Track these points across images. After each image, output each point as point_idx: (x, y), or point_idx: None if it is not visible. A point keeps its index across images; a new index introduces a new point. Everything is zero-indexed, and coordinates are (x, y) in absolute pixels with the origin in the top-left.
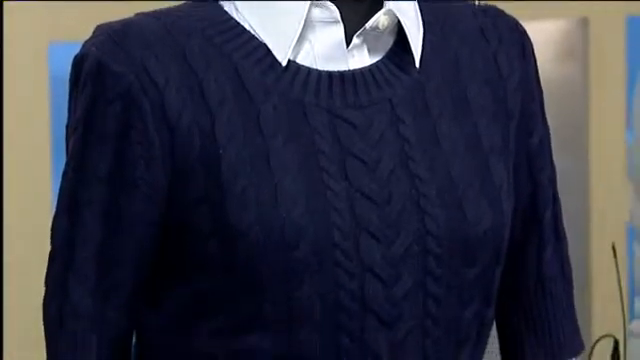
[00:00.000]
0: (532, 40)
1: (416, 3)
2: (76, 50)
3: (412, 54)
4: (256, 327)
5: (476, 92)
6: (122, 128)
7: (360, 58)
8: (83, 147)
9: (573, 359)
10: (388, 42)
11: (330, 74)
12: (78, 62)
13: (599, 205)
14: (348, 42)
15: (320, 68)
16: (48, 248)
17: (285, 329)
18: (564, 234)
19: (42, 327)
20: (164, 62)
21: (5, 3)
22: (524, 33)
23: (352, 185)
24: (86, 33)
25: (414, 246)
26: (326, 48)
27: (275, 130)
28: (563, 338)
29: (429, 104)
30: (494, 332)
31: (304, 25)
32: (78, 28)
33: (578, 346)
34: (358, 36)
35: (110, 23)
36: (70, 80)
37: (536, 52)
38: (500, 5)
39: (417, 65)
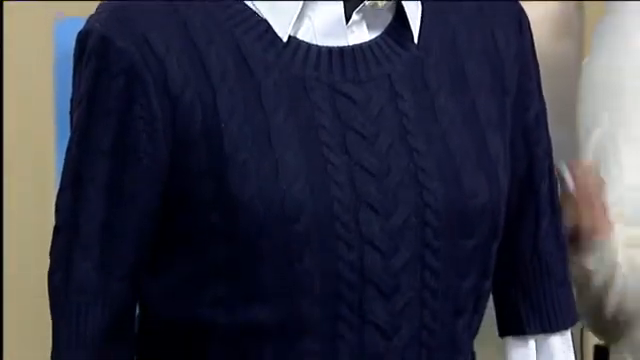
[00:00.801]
0: (529, 18)
1: None
2: (81, 26)
3: (411, 30)
4: (257, 297)
5: (474, 67)
6: (125, 103)
7: (359, 34)
8: (87, 121)
9: (568, 329)
10: (387, 18)
11: (330, 50)
12: (82, 38)
13: None
14: (347, 18)
15: (320, 44)
16: (49, 234)
17: (285, 299)
18: (560, 206)
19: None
20: (167, 38)
21: None
22: (521, 9)
23: (352, 159)
24: (91, 9)
25: (412, 219)
26: (326, 24)
27: (276, 105)
28: (559, 309)
29: (427, 79)
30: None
31: (304, 2)
32: (83, 4)
33: (573, 317)
34: (357, 12)
35: (113, 0)
36: (74, 55)
37: (533, 29)
38: None
39: (415, 41)
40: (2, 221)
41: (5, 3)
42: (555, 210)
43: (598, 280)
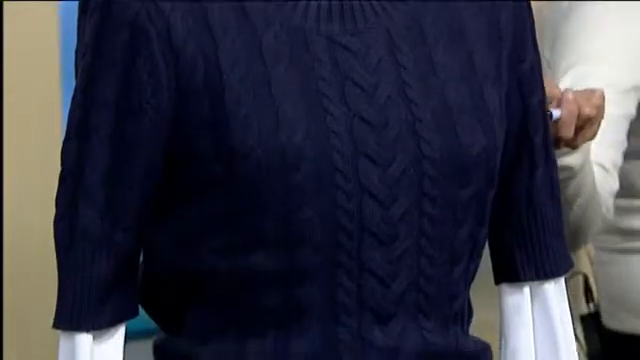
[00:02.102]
0: None
1: None
2: None
3: None
4: (258, 246)
5: (471, 20)
6: (129, 55)
7: None
8: (91, 73)
9: (562, 276)
10: None
11: (329, 2)
12: None
13: None
14: None
15: None
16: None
17: (285, 248)
18: (554, 158)
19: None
20: None
21: None
22: None
23: (351, 110)
24: None
25: (410, 168)
26: None
27: (276, 57)
28: (553, 256)
29: (425, 32)
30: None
31: None
32: None
33: (567, 264)
34: None
35: None
36: (79, 7)
37: None
38: None
39: None
40: (2, 185)
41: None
42: (549, 160)
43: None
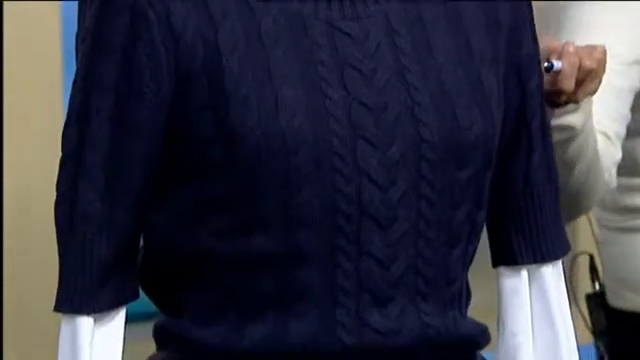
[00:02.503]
0: None
1: None
2: None
3: None
4: (257, 228)
5: (468, 5)
6: (129, 39)
7: None
8: (91, 57)
9: (559, 259)
10: None
11: None
12: None
13: None
14: None
15: None
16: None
17: (284, 230)
18: (551, 142)
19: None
20: None
21: None
22: None
23: (350, 94)
24: None
25: (409, 152)
26: None
27: (275, 41)
28: (550, 240)
29: (423, 16)
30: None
31: None
32: None
33: (564, 247)
34: None
35: None
36: None
37: None
38: None
39: None
40: (2, 179)
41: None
42: (547, 145)
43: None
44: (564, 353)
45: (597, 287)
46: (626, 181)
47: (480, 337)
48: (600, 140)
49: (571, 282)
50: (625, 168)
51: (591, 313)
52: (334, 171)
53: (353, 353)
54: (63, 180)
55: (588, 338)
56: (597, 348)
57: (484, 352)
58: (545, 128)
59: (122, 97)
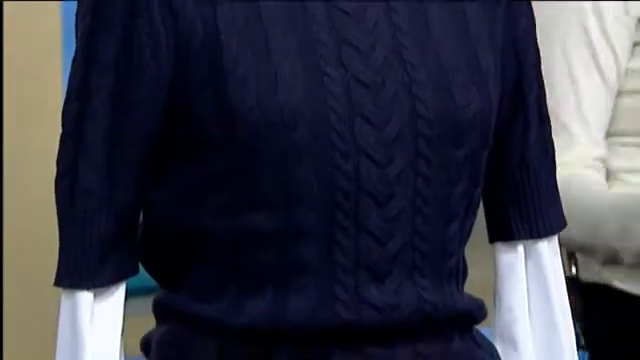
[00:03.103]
0: None
1: None
2: None
3: None
4: (256, 205)
5: None
6: (129, 17)
7: None
8: (91, 35)
9: (555, 235)
10: None
11: None
12: None
13: None
14: None
15: None
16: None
17: (283, 207)
18: (548, 118)
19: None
20: None
21: None
22: None
23: (347, 71)
24: None
25: (406, 129)
26: None
27: (274, 20)
28: (546, 215)
29: None
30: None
31: None
32: None
33: (560, 222)
34: None
35: None
36: None
37: None
38: None
39: None
40: (2, 151)
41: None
42: (543, 121)
43: None
44: (560, 328)
45: (574, 271)
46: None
47: (477, 312)
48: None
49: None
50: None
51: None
52: (332, 148)
53: (351, 329)
54: (63, 157)
55: None
56: (575, 333)
57: (481, 327)
58: (542, 104)
59: (122, 75)
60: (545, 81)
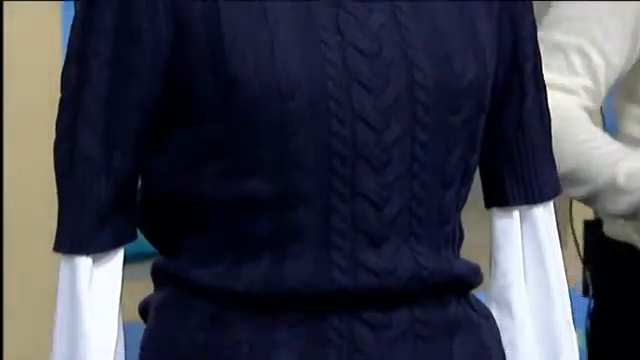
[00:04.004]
0: None
1: None
2: None
3: None
4: (255, 171)
5: None
6: None
7: None
8: (90, 1)
9: (551, 200)
10: None
11: None
12: None
13: None
14: None
15: None
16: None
17: (281, 173)
18: (544, 85)
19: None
20: None
21: None
22: None
23: (344, 38)
24: None
25: (403, 95)
26: None
27: None
28: (542, 181)
29: None
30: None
31: None
32: None
33: (555, 189)
34: None
35: None
36: None
37: None
38: None
39: None
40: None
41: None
42: (539, 88)
43: None
44: (555, 292)
45: (597, 215)
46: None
47: (473, 277)
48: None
49: (571, 210)
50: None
51: (587, 241)
52: (329, 114)
53: (348, 294)
54: (62, 122)
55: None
56: (584, 278)
57: (476, 291)
58: (538, 72)
59: (120, 41)
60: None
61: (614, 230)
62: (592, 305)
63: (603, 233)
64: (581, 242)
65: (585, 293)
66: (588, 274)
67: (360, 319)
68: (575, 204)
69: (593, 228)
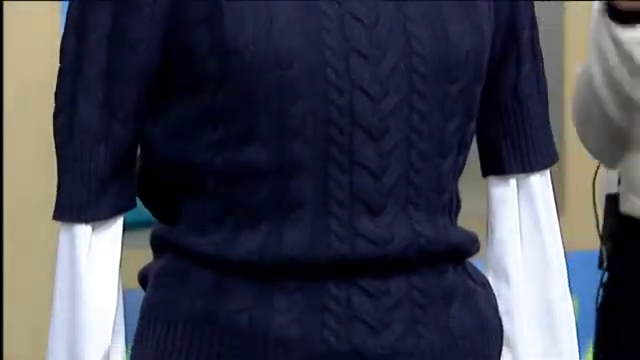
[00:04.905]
0: None
1: None
2: None
3: None
4: (252, 139)
5: None
6: None
7: None
8: None
9: (547, 168)
10: None
11: None
12: None
13: (573, 29)
14: None
15: None
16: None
17: (279, 142)
18: (541, 54)
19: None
20: None
21: None
22: None
23: (342, 7)
24: None
25: (400, 65)
26: None
27: None
28: (538, 149)
29: None
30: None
31: None
32: None
33: (552, 157)
34: None
35: None
36: None
37: None
38: None
39: None
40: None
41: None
42: (536, 57)
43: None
44: (551, 260)
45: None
46: None
47: (470, 245)
48: None
49: (594, 183)
50: None
51: (607, 215)
52: (327, 83)
53: (346, 262)
54: (61, 92)
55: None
56: (600, 252)
57: (473, 259)
58: (534, 41)
59: (119, 11)
60: None
61: (629, 207)
62: (605, 277)
63: (618, 207)
64: (601, 216)
65: (600, 266)
66: (605, 248)
67: (358, 287)
68: (598, 177)
69: (614, 202)
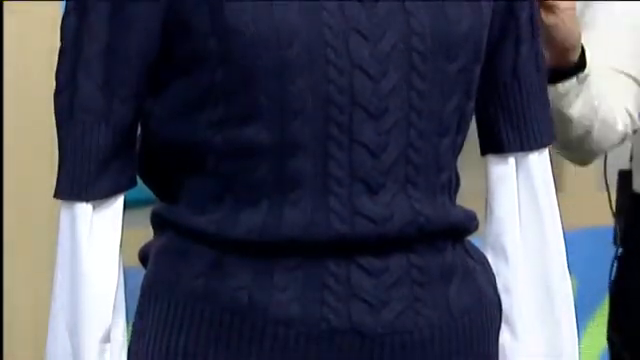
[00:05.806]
0: None
1: None
2: None
3: None
4: (253, 118)
5: None
6: None
7: None
8: None
9: (546, 147)
10: None
11: None
12: None
13: None
14: None
15: None
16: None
17: (279, 120)
18: (539, 33)
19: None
20: None
21: None
22: None
23: None
24: None
25: (400, 44)
26: None
27: None
28: (537, 128)
29: None
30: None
31: None
32: None
33: (550, 136)
34: None
35: None
36: None
37: None
38: None
39: None
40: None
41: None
42: (535, 36)
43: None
44: (550, 238)
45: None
46: None
47: (469, 223)
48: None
49: (605, 159)
50: None
51: (620, 191)
52: (327, 63)
53: (346, 240)
54: (62, 71)
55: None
56: (615, 227)
57: (472, 237)
58: (533, 21)
59: None
60: None
61: (636, 184)
62: (619, 252)
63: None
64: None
65: (615, 242)
66: (618, 225)
67: (357, 265)
68: (610, 154)
69: (627, 179)
